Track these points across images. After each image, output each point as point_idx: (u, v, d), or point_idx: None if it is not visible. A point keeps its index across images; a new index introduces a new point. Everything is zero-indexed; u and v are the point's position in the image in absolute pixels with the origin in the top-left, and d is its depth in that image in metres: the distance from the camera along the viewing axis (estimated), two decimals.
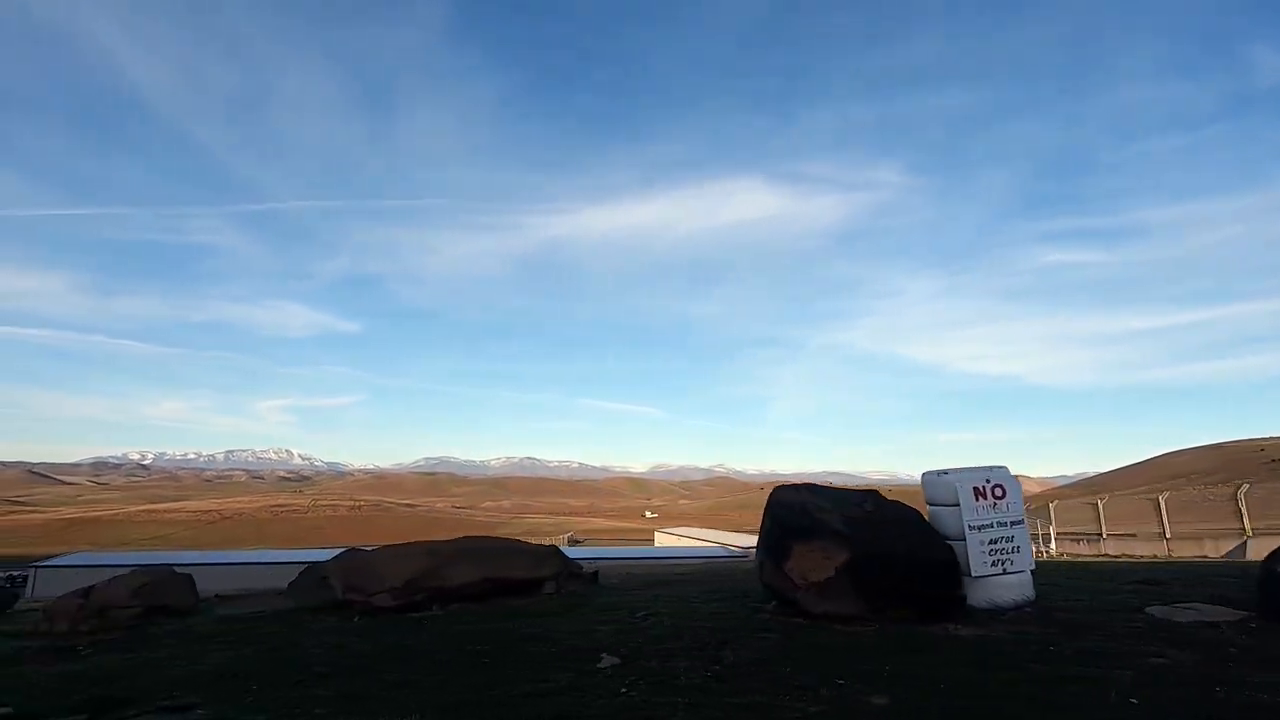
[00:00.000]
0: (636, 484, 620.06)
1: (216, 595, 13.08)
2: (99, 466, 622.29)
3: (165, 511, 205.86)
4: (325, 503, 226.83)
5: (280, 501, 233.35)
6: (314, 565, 10.38)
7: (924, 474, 7.59)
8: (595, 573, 9.74)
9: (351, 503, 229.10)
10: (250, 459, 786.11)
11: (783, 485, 7.61)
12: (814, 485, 7.78)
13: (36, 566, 41.24)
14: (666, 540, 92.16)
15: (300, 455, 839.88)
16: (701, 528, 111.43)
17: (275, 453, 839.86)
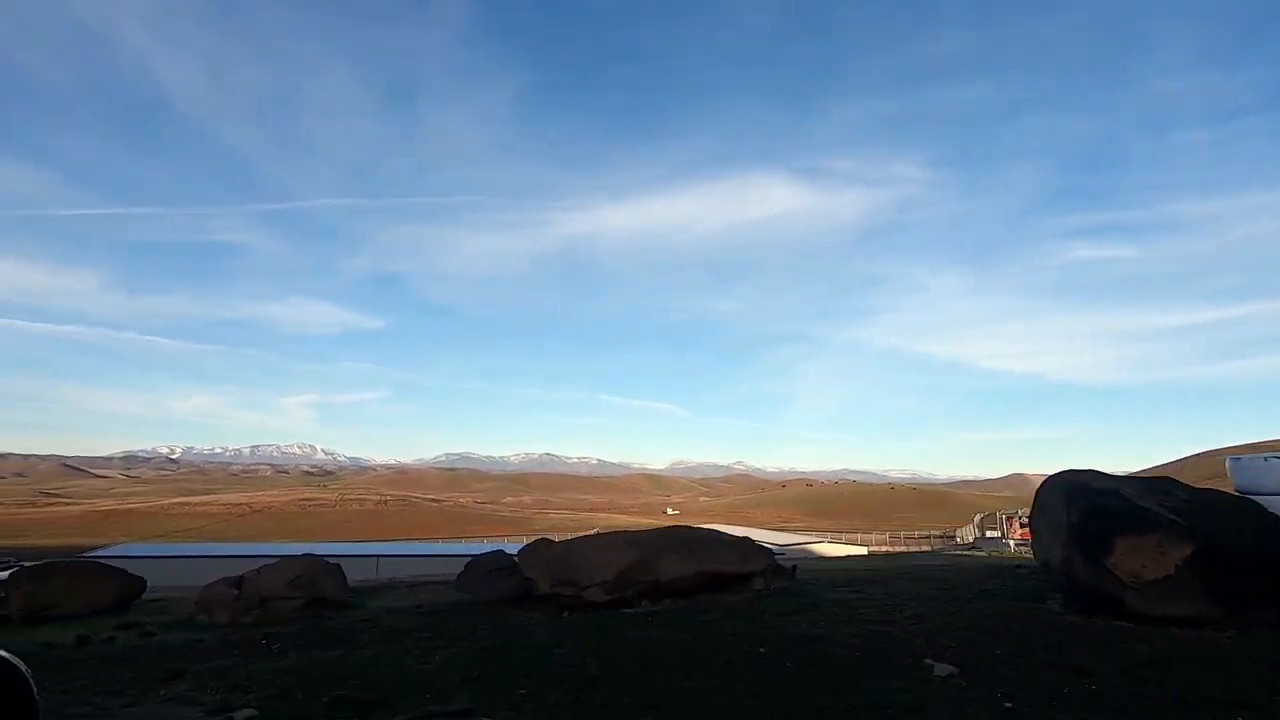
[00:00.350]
0: (656, 481, 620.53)
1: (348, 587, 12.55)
2: (129, 460, 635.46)
3: (197, 504, 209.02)
4: (351, 497, 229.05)
5: (307, 496, 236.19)
6: (479, 557, 9.71)
7: (1236, 459, 6.68)
8: (794, 568, 8.96)
9: (378, 497, 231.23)
10: (275, 454, 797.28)
11: (1071, 470, 6.76)
12: (1098, 472, 6.90)
13: (84, 559, 41.55)
14: None
15: (323, 450, 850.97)
16: (726, 524, 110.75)
17: (299, 448, 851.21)
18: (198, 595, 9.78)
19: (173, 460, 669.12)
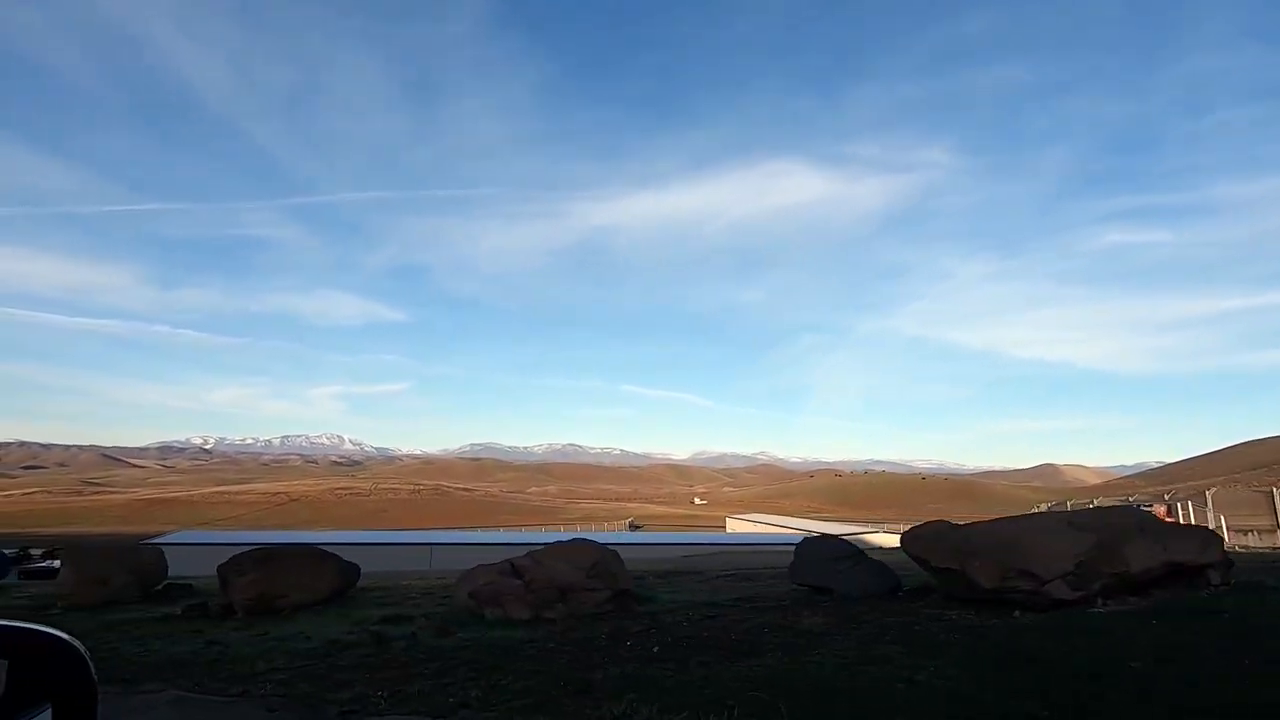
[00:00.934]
0: (679, 471, 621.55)
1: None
2: (165, 451, 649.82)
3: (235, 493, 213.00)
4: (385, 486, 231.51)
5: (342, 485, 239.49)
6: (806, 544, 8.25)
7: None
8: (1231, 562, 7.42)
9: (411, 487, 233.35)
10: (304, 444, 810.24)
11: None
12: None
13: (149, 544, 40.82)
14: (740, 527, 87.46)
15: (351, 440, 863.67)
16: (765, 514, 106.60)
17: (328, 438, 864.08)
18: (472, 586, 8.46)
19: (206, 450, 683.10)
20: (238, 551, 10.54)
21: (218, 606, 9.88)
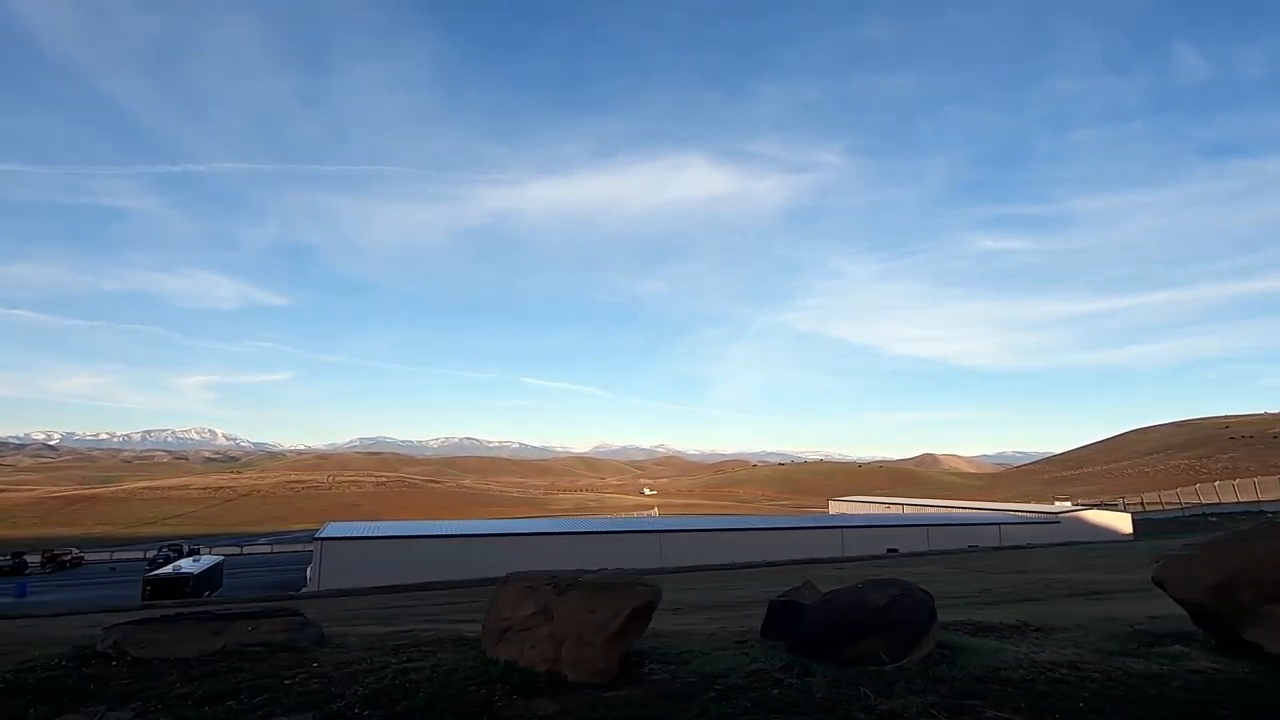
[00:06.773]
0: (588, 464, 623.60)
1: None
2: None
3: (170, 489, 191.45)
4: (344, 479, 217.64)
5: (294, 478, 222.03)
6: None
7: None
8: None
9: (374, 479, 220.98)
10: (170, 439, 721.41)
11: None
12: None
13: (322, 540, 38.01)
14: (844, 509, 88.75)
15: (225, 435, 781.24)
16: (860, 496, 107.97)
17: (197, 432, 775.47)
18: None
19: (51, 447, 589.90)
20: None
21: None
